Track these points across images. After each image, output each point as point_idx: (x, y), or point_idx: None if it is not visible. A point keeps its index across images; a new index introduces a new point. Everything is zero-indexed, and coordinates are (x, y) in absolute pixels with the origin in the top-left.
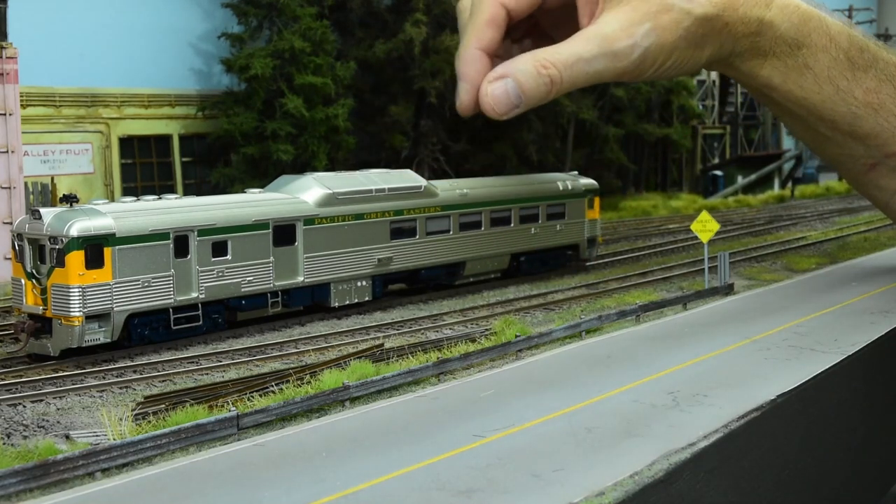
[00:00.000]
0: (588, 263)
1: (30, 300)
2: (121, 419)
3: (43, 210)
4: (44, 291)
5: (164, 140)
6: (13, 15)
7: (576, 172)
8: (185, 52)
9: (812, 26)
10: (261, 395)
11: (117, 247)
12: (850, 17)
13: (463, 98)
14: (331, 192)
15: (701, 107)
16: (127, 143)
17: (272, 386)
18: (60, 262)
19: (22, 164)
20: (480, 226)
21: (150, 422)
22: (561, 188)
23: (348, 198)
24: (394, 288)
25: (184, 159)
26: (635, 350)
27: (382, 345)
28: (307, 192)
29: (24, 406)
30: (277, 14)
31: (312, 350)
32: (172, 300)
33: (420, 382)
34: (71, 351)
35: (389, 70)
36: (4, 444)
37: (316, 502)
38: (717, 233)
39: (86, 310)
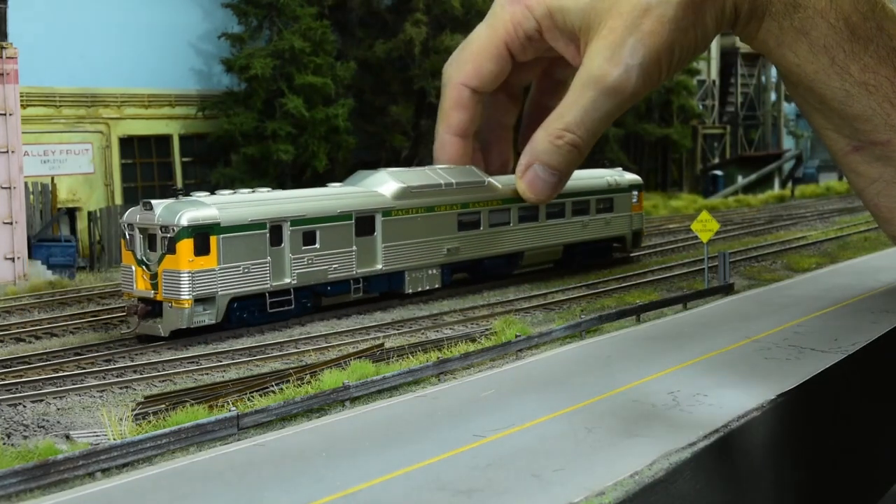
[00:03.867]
0: (632, 255)
1: (140, 285)
2: (121, 419)
3: (154, 202)
4: (153, 277)
5: (164, 140)
6: (13, 15)
7: (619, 168)
8: (185, 52)
9: None
10: (261, 395)
11: (222, 235)
12: None
13: None
14: (405, 185)
15: (701, 107)
16: (127, 143)
17: (272, 386)
18: (171, 250)
19: (22, 164)
20: (537, 218)
21: (150, 422)
22: (608, 183)
23: (421, 191)
24: (457, 277)
25: (184, 159)
26: (635, 350)
27: (382, 345)
28: (383, 185)
29: (24, 406)
30: (277, 14)
31: (312, 350)
32: (269, 285)
33: (420, 382)
34: (179, 332)
35: (389, 70)
36: (4, 444)
37: (316, 502)
38: (717, 232)
39: (194, 293)
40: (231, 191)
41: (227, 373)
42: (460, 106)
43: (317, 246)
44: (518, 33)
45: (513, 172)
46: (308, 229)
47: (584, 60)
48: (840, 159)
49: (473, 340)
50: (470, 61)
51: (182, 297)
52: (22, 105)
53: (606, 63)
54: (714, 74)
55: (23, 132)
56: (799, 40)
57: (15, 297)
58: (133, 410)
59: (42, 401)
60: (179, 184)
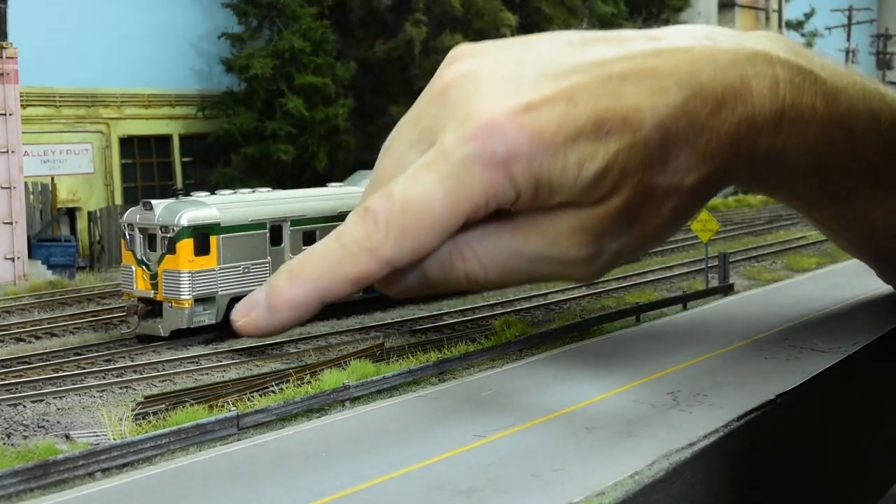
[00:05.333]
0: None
1: (140, 285)
2: (121, 419)
3: (154, 202)
4: (153, 277)
5: (164, 140)
6: (13, 15)
7: None
8: (185, 52)
9: (834, 139)
10: (261, 395)
11: (222, 235)
12: (849, 17)
13: (248, 322)
14: None
15: None
16: (127, 143)
17: (272, 386)
18: (171, 250)
19: (22, 164)
20: None
21: (150, 422)
22: None
23: None
24: None
25: (184, 159)
26: (635, 350)
27: (382, 345)
28: None
29: (24, 406)
30: (277, 14)
31: (312, 350)
32: None
33: (420, 382)
34: (179, 332)
35: (389, 70)
36: (4, 444)
37: (316, 502)
38: (717, 232)
39: (194, 293)
40: (231, 191)
41: (227, 373)
42: (365, 282)
43: None
44: (489, 205)
45: None
46: (308, 229)
47: (553, 210)
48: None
49: (473, 340)
50: (413, 237)
51: (182, 297)
52: (22, 105)
53: (581, 233)
54: None
55: (23, 132)
56: (813, 193)
57: (15, 297)
58: (133, 410)
59: (42, 401)
60: (179, 184)
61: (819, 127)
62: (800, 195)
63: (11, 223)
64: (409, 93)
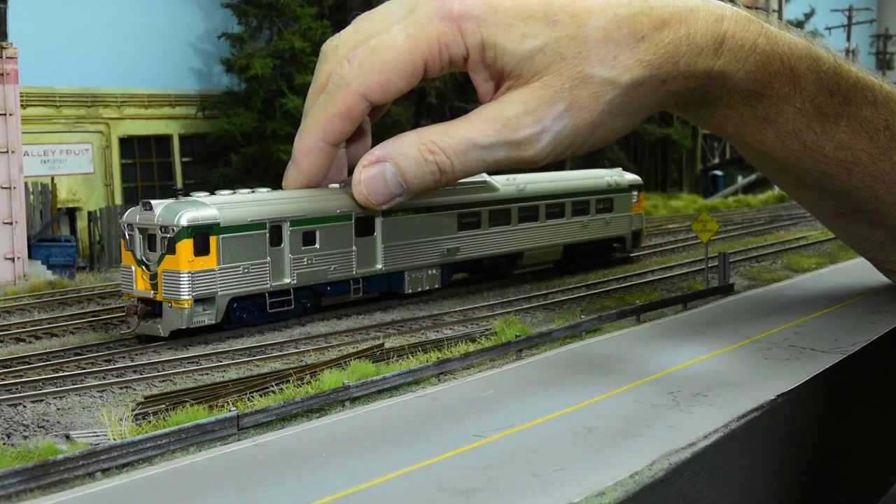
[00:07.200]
0: (632, 255)
1: (139, 286)
2: (121, 419)
3: (153, 202)
4: (153, 277)
5: (164, 140)
6: (13, 15)
7: (619, 168)
8: (185, 52)
9: (773, 71)
10: (261, 395)
11: (221, 235)
12: (849, 17)
13: (289, 181)
14: None
15: None
16: (127, 143)
17: (272, 386)
18: (171, 250)
19: (22, 164)
20: (537, 218)
21: (150, 422)
22: (608, 183)
23: None
24: (457, 277)
25: (184, 159)
26: (635, 350)
27: (382, 345)
28: None
29: (24, 406)
30: (277, 14)
31: (312, 350)
32: (268, 285)
33: (420, 382)
34: (179, 332)
35: None
36: (4, 444)
37: (316, 502)
38: (717, 233)
39: (194, 294)
40: (231, 191)
41: (227, 373)
42: (350, 117)
43: (316, 246)
44: (442, 55)
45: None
46: (308, 229)
47: (500, 98)
48: (824, 221)
49: (473, 340)
50: (378, 72)
51: (182, 297)
52: (22, 105)
53: (525, 114)
54: None
55: (23, 132)
56: (764, 128)
57: (15, 297)
58: (133, 410)
59: (42, 401)
60: (179, 184)
61: (760, 57)
62: (747, 129)
63: (11, 223)
64: (409, 93)
